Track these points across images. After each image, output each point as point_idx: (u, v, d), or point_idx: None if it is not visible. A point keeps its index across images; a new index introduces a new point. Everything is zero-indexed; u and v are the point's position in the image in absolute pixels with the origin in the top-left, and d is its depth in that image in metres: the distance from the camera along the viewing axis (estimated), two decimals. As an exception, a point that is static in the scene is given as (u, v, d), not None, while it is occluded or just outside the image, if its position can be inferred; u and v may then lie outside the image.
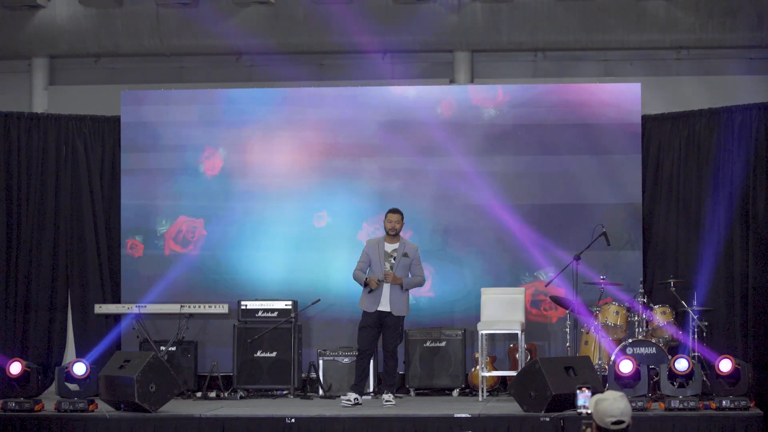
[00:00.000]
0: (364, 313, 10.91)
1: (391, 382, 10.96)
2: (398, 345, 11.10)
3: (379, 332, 10.93)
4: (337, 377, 12.10)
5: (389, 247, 10.95)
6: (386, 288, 10.84)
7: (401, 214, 11.04)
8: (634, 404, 9.56)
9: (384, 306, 10.86)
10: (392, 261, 10.80)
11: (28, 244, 13.03)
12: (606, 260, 12.43)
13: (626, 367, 10.46)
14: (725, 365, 10.27)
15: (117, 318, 12.94)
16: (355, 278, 11.04)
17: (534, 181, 12.75)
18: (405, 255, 10.89)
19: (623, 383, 10.41)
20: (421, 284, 11.11)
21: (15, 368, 10.80)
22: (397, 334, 10.98)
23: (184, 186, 13.01)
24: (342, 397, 10.95)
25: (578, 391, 9.54)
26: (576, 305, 11.69)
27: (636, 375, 10.47)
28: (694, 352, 11.28)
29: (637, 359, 10.84)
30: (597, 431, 5.76)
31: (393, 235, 10.97)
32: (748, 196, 12.35)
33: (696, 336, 11.44)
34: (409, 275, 10.98)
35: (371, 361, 11.48)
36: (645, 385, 10.47)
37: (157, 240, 12.97)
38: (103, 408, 10.42)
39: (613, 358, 11.13)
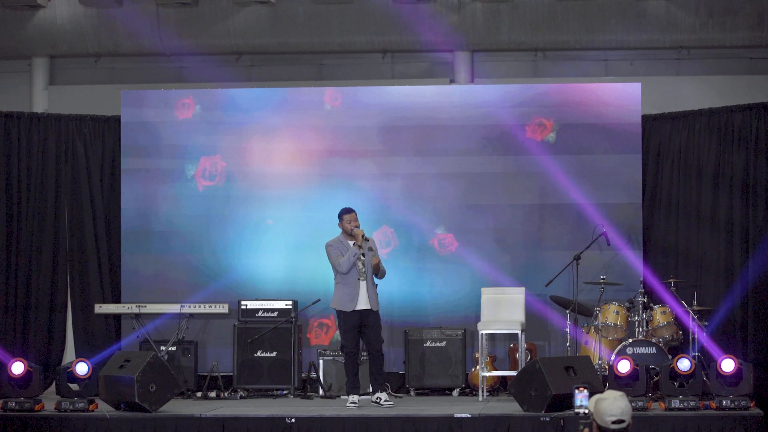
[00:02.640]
0: (344, 313, 10.78)
1: (382, 380, 10.94)
2: (383, 342, 11.04)
3: (359, 332, 10.88)
4: (337, 377, 12.09)
5: (351, 243, 10.89)
6: (363, 286, 10.79)
7: (356, 212, 10.99)
8: (633, 404, 9.56)
9: (363, 304, 10.76)
10: (362, 258, 10.78)
11: (28, 243, 13.04)
12: (606, 260, 12.43)
13: (624, 367, 10.46)
14: (728, 365, 10.25)
15: (117, 318, 12.94)
16: (344, 263, 10.74)
17: (534, 181, 12.75)
18: (370, 249, 10.88)
19: (621, 383, 10.40)
20: (385, 273, 11.05)
21: (17, 368, 10.77)
22: (380, 331, 10.93)
23: (184, 185, 13.01)
24: (346, 399, 10.89)
25: (576, 391, 9.53)
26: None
27: (634, 375, 10.47)
28: (703, 349, 11.30)
29: (637, 359, 10.85)
30: (597, 431, 5.76)
31: (351, 233, 10.91)
32: (748, 196, 12.35)
33: (697, 336, 11.46)
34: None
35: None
36: (643, 385, 10.47)
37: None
38: (103, 408, 10.42)
39: (613, 357, 11.14)
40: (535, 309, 12.36)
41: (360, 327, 10.80)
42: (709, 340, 11.53)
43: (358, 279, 10.77)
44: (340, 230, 11.00)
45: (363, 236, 10.80)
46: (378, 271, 10.87)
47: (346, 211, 10.97)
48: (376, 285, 10.94)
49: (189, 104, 13.05)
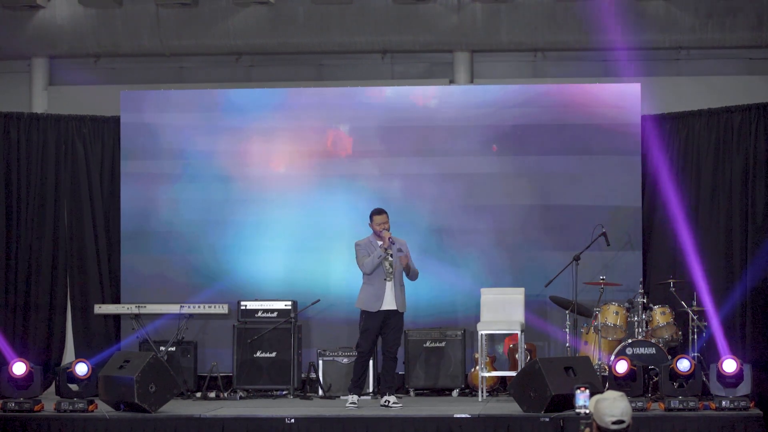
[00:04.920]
0: (367, 313, 10.77)
1: (392, 383, 10.92)
2: (399, 346, 11.07)
3: (379, 334, 10.87)
4: (336, 377, 12.09)
5: (379, 244, 10.87)
6: (388, 286, 10.78)
7: (387, 213, 10.97)
8: (633, 404, 9.55)
9: (389, 304, 10.73)
10: (390, 258, 10.77)
11: (27, 244, 13.03)
12: (606, 260, 12.43)
13: (621, 367, 10.46)
14: (729, 365, 10.24)
15: (116, 318, 12.94)
16: (368, 263, 10.70)
17: (534, 181, 12.75)
18: (399, 250, 10.85)
19: (619, 384, 10.40)
20: (417, 275, 11.04)
21: (19, 368, 10.76)
22: (400, 335, 10.95)
23: (184, 185, 13.01)
24: (346, 399, 10.87)
25: (577, 392, 9.53)
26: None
27: (631, 375, 10.47)
28: (703, 349, 11.29)
29: (637, 360, 10.85)
30: (597, 431, 5.76)
31: (379, 235, 10.89)
32: (747, 196, 12.35)
33: (696, 336, 11.48)
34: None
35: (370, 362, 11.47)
36: (640, 385, 10.47)
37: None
38: (102, 408, 10.41)
39: (612, 358, 11.14)
40: (534, 309, 12.36)
41: (381, 328, 10.78)
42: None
43: (384, 279, 10.72)
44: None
45: (390, 238, 10.76)
46: (409, 272, 10.85)
47: (376, 212, 10.90)
48: (404, 286, 10.90)
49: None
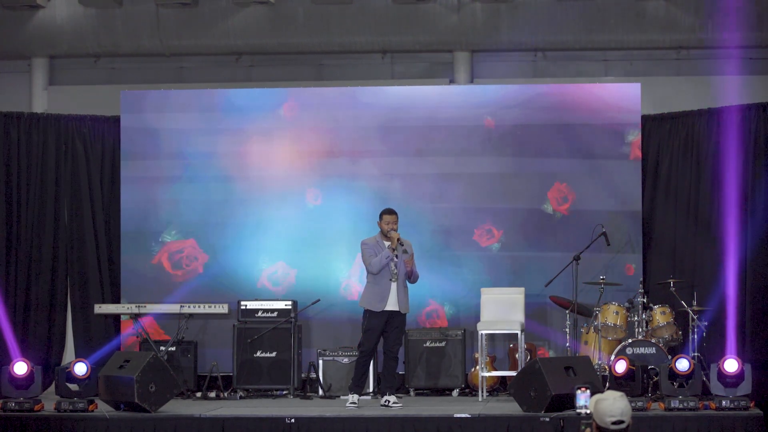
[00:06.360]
0: (370, 312, 10.76)
1: (393, 383, 10.92)
2: (401, 346, 11.07)
3: (381, 333, 10.86)
4: (336, 377, 12.09)
5: (387, 245, 10.87)
6: (393, 287, 10.77)
7: (397, 214, 10.96)
8: (633, 404, 9.56)
9: (392, 305, 10.72)
10: (395, 259, 10.76)
11: (28, 244, 13.03)
12: (606, 261, 12.43)
13: (620, 367, 10.46)
14: (731, 365, 10.24)
15: (116, 318, 12.94)
16: (376, 263, 10.68)
17: (533, 182, 12.75)
18: (405, 251, 10.84)
19: (619, 383, 10.40)
20: (418, 278, 11.04)
21: (21, 368, 10.76)
22: (402, 335, 10.96)
23: (184, 186, 13.00)
24: (346, 399, 10.87)
25: (578, 392, 9.54)
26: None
27: (630, 375, 10.46)
28: (702, 349, 11.30)
29: (637, 359, 10.85)
30: (597, 431, 5.77)
31: (387, 235, 10.88)
32: (747, 196, 12.35)
33: (696, 336, 11.48)
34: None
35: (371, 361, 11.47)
36: (639, 385, 10.47)
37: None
38: (102, 408, 10.41)
39: (612, 357, 11.14)
40: (534, 309, 12.36)
41: (384, 328, 10.77)
42: (705, 340, 11.53)
43: (390, 280, 10.71)
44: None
45: (398, 239, 10.76)
46: (411, 275, 10.85)
47: (386, 212, 10.87)
48: (407, 287, 10.90)
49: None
